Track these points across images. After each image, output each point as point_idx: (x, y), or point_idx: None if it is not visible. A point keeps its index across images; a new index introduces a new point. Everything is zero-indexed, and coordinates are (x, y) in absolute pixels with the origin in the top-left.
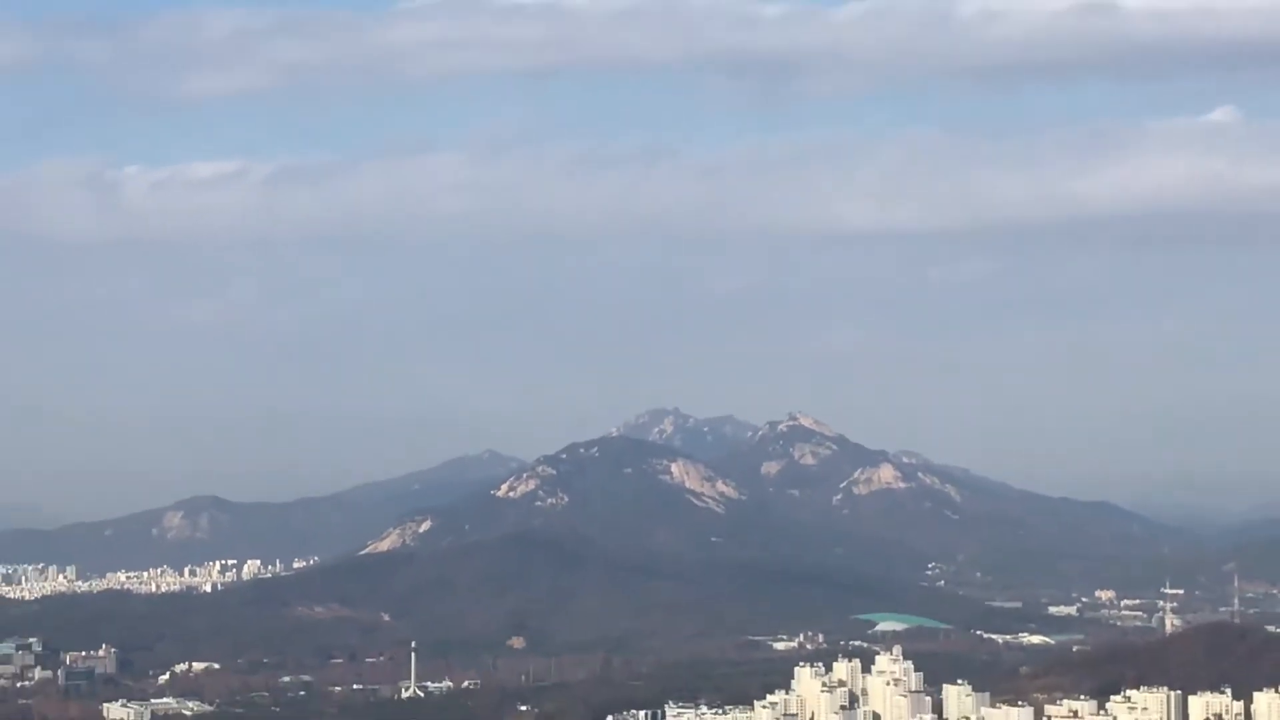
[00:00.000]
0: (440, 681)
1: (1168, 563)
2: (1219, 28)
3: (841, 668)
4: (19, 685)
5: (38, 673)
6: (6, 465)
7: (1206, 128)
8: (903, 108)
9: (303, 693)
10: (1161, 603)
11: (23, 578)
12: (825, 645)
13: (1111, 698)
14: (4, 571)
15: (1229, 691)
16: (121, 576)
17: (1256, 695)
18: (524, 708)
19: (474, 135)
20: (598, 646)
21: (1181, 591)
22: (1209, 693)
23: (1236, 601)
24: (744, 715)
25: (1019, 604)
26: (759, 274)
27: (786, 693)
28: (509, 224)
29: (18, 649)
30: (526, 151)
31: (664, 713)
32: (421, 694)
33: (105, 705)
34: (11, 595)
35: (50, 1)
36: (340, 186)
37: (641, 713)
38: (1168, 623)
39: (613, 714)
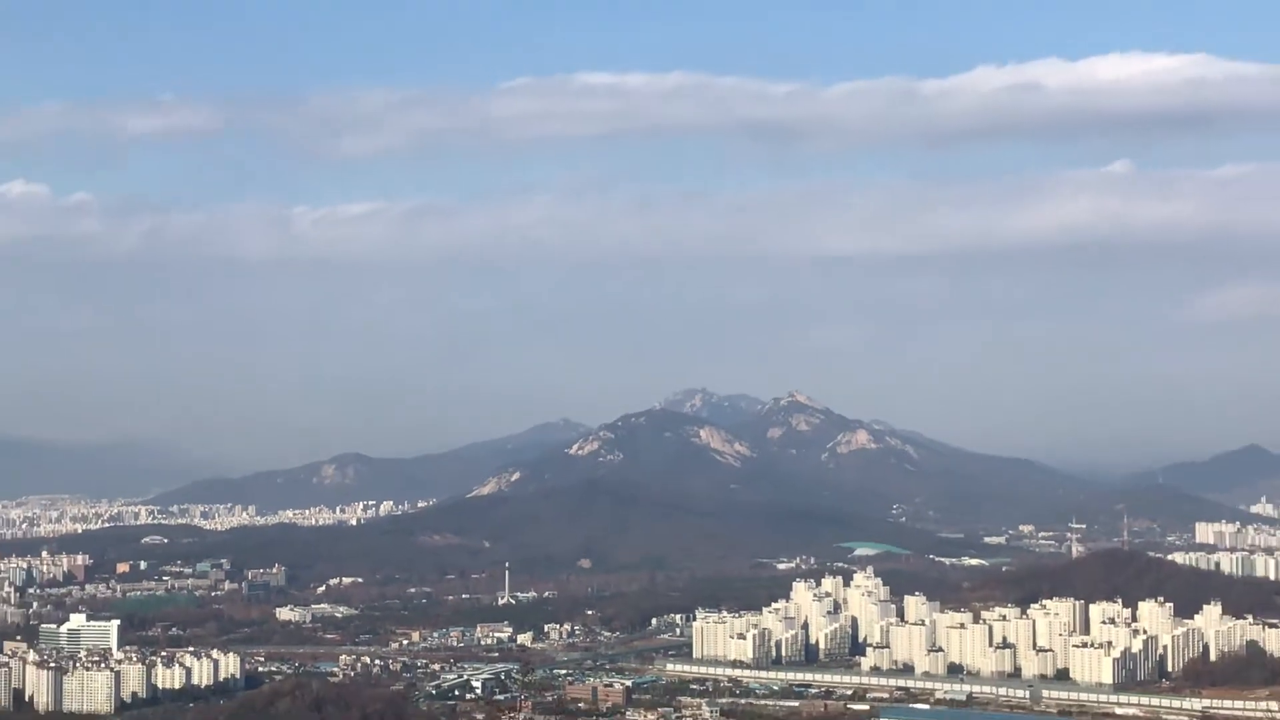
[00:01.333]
0: (527, 592)
1: (1073, 505)
2: (1117, 101)
3: (828, 582)
4: (213, 594)
5: (226, 585)
6: (208, 431)
7: (1106, 177)
8: (878, 162)
9: (424, 600)
10: (1068, 534)
11: (216, 514)
12: (815, 565)
13: (1031, 605)
14: (202, 509)
15: (1120, 600)
16: (289, 514)
17: (1140, 604)
18: (590, 612)
19: (558, 183)
20: (644, 566)
21: (1084, 526)
22: (1104, 601)
23: (1125, 534)
24: (755, 618)
25: (961, 535)
26: (768, 287)
27: (786, 601)
28: (584, 249)
29: (212, 567)
30: (597, 195)
31: (694, 616)
32: (514, 601)
33: (277, 609)
34: (208, 528)
35: (240, 80)
36: (457, 221)
37: (678, 615)
38: (1073, 549)
39: (656, 617)
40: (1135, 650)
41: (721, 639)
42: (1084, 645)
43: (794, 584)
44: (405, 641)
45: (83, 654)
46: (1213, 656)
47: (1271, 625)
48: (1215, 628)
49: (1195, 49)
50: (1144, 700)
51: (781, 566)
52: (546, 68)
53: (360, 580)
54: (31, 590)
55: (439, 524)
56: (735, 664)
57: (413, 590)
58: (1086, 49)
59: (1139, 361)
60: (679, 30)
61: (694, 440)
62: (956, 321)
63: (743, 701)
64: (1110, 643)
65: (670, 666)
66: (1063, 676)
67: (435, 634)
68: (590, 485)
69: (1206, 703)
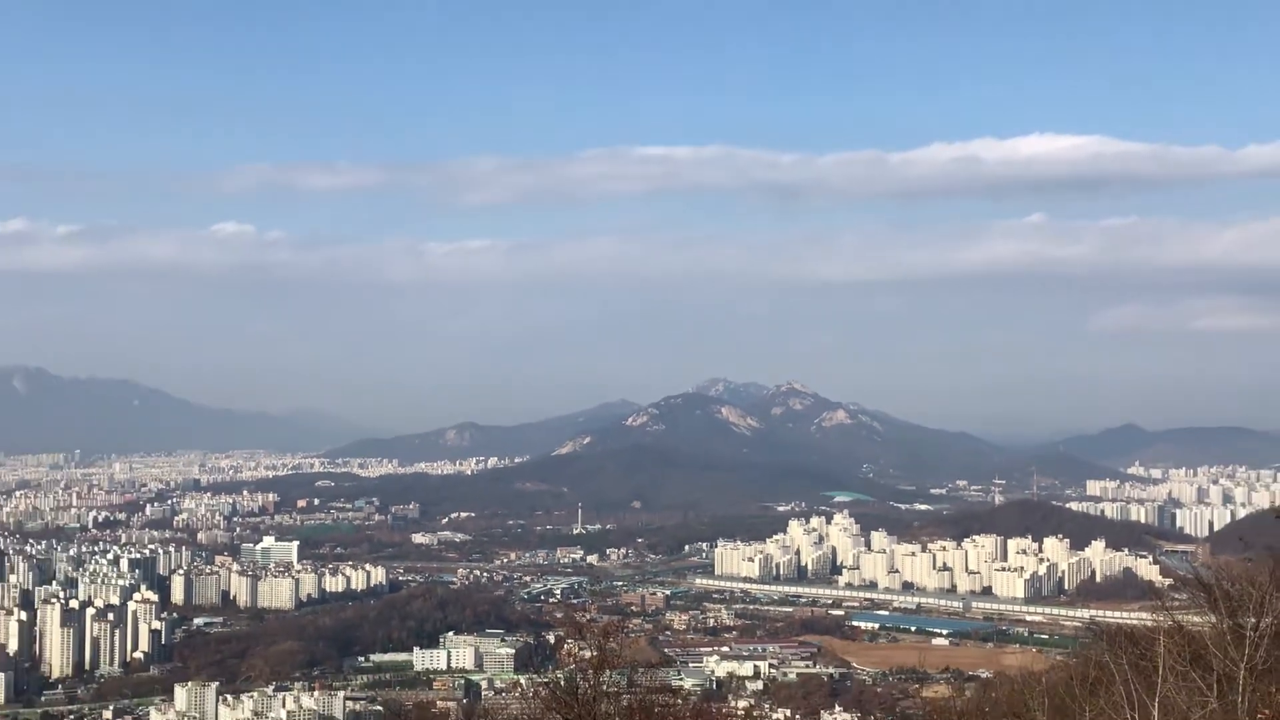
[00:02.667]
0: (594, 525)
1: (996, 466)
2: (1035, 169)
3: (815, 521)
4: (366, 523)
5: (376, 517)
6: (364, 404)
7: (1027, 225)
8: (858, 213)
9: (519, 529)
10: (992, 488)
11: (369, 465)
12: (805, 508)
13: (964, 540)
14: (359, 462)
15: (1030, 536)
16: (422, 465)
17: (1045, 539)
18: (639, 540)
19: (619, 226)
20: (679, 508)
21: (1004, 482)
22: (1018, 537)
23: (1034, 488)
24: (760, 546)
25: (914, 488)
26: (774, 303)
27: (784, 534)
28: (637, 275)
29: (366, 504)
30: (647, 236)
31: (716, 544)
32: (584, 531)
33: (413, 535)
34: (363, 475)
35: (393, 150)
36: (546, 253)
37: (704, 543)
38: (995, 499)
39: (688, 544)
40: (1041, 574)
41: (736, 561)
42: (1003, 569)
43: (790, 522)
44: (505, 559)
45: (271, 566)
46: (1098, 579)
47: (1141, 556)
48: (1100, 557)
49: (1094, 132)
50: (1047, 610)
51: (780, 509)
52: (613, 141)
53: (473, 514)
54: (235, 519)
55: (530, 474)
56: (746, 579)
57: (510, 522)
58: (1013, 131)
59: (1047, 361)
60: (711, 113)
61: (717, 416)
62: (914, 330)
63: (751, 606)
64: (1022, 568)
65: (698, 580)
66: (987, 593)
67: (527, 554)
68: (640, 448)
69: (1093, 613)
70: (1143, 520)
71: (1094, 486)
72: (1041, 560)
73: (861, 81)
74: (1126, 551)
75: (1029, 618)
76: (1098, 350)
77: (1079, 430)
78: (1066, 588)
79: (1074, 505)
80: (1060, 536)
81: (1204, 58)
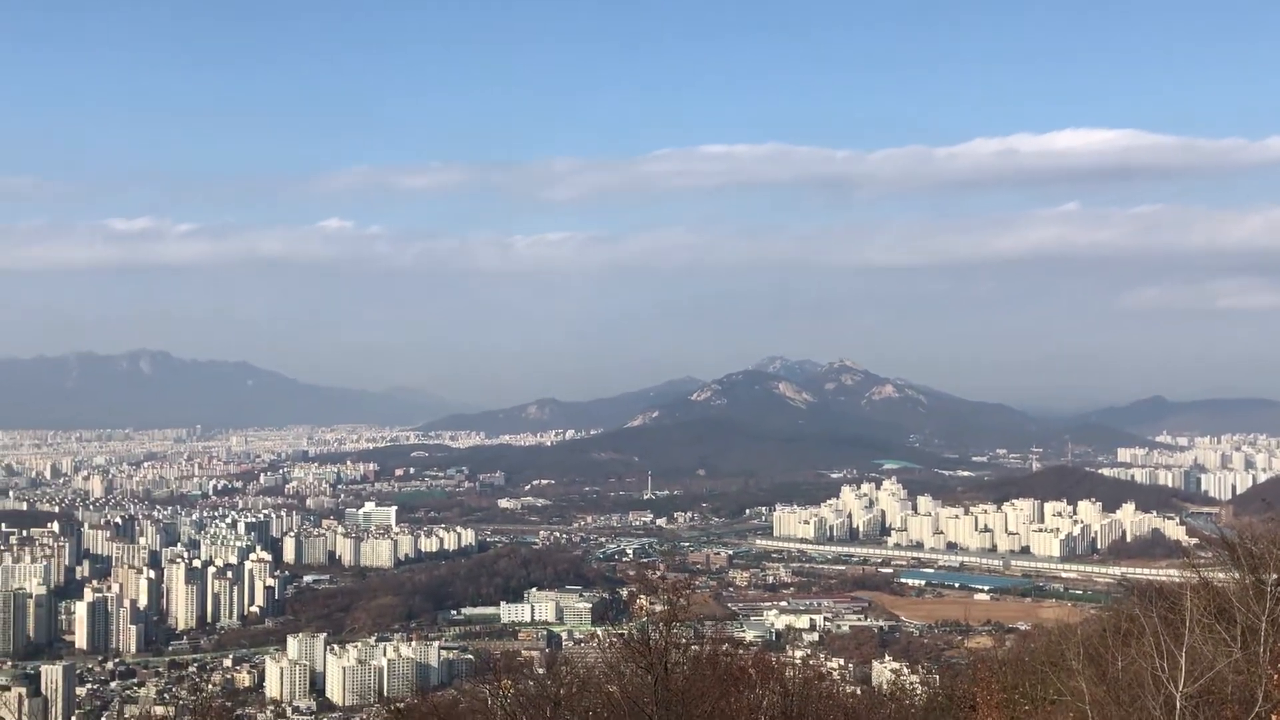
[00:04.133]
0: (662, 491)
1: (1034, 436)
2: (1069, 161)
3: (866, 487)
4: (457, 490)
5: (465, 484)
6: (455, 382)
7: (1062, 213)
8: (905, 204)
9: (594, 495)
10: (1030, 455)
11: (459, 438)
12: (856, 475)
13: (1004, 503)
14: (450, 434)
15: (1065, 500)
16: (506, 437)
17: (1079, 502)
18: (704, 504)
19: (687, 219)
20: (740, 474)
21: (1040, 450)
22: (1054, 501)
23: (1069, 455)
24: (815, 510)
25: (956, 456)
26: (827, 287)
27: (837, 499)
28: (703, 263)
29: (456, 472)
30: (713, 227)
31: (775, 508)
32: (654, 496)
33: (499, 500)
34: (454, 446)
35: (480, 151)
36: (621, 245)
37: (763, 507)
38: (1033, 466)
39: (748, 508)
40: (1075, 534)
41: (793, 523)
42: (1040, 530)
43: (842, 488)
44: (582, 522)
45: (372, 528)
46: (1129, 539)
47: (1169, 518)
48: (1130, 519)
49: (1125, 126)
50: (1081, 568)
51: (833, 476)
52: (681, 142)
53: (552, 482)
54: (339, 487)
55: (604, 445)
56: (802, 540)
57: (587, 489)
58: (1049, 126)
59: (1080, 338)
60: (771, 114)
61: (774, 391)
62: (956, 310)
63: (807, 565)
64: (1058, 529)
65: (758, 541)
66: (1025, 552)
67: (601, 518)
68: (704, 421)
69: (1124, 570)
70: (1170, 485)
71: (1124, 454)
72: (1076, 522)
73: (908, 82)
74: (1155, 514)
75: (1064, 575)
76: (1127, 328)
77: (1110, 402)
78: (1099, 547)
79: (1105, 471)
80: (1093, 500)
81: (1228, 55)
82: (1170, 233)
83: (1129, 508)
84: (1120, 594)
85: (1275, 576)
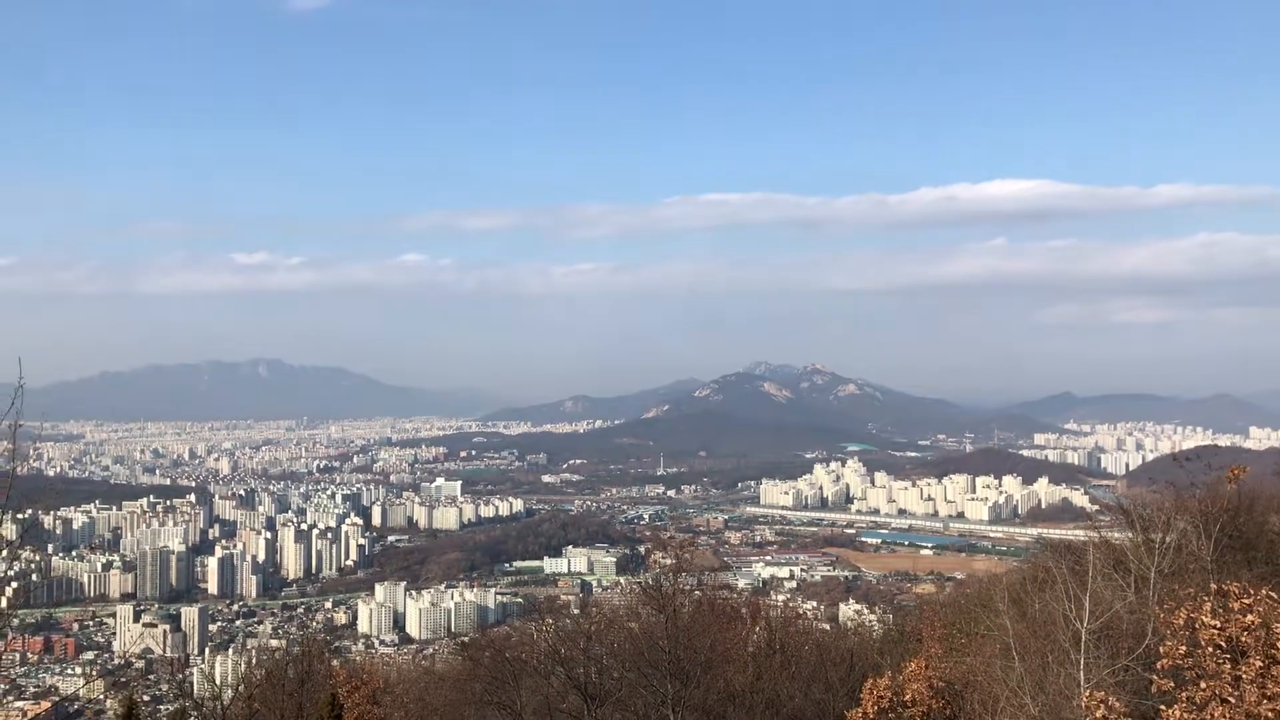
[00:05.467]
0: (671, 468)
1: (967, 424)
2: (998, 205)
3: (834, 465)
4: (509, 468)
5: (516, 463)
6: (508, 381)
7: (991, 246)
8: (864, 240)
9: (618, 471)
10: (964, 439)
11: (510, 426)
12: (826, 455)
13: (944, 477)
14: (503, 424)
15: (992, 475)
16: (548, 426)
17: (1004, 477)
18: (705, 479)
19: (691, 253)
20: (734, 455)
21: (973, 435)
22: (984, 476)
23: (996, 440)
24: (793, 483)
25: (905, 440)
26: (800, 305)
27: (810, 475)
28: (703, 288)
29: (508, 454)
30: (710, 258)
31: (761, 481)
32: (665, 473)
33: (543, 475)
34: (507, 433)
35: (525, 199)
36: (639, 273)
37: (752, 481)
38: (967, 448)
39: (740, 482)
40: (1001, 502)
41: (775, 494)
42: (972, 499)
43: (815, 466)
44: (608, 494)
45: (442, 498)
46: (1043, 506)
47: (1076, 489)
48: (1045, 490)
49: (1042, 177)
50: (1005, 529)
51: (808, 456)
52: (689, 190)
53: (584, 461)
54: (416, 465)
55: (625, 432)
56: (783, 508)
57: (611, 467)
58: (982, 177)
59: (1004, 346)
60: (757, 169)
61: (760, 389)
62: (905, 324)
63: (787, 527)
64: (987, 498)
65: (748, 509)
66: (961, 517)
67: (623, 490)
68: (705, 413)
69: (1040, 531)
70: (1076, 463)
71: (1039, 439)
72: (1001, 492)
73: (866, 142)
74: (1064, 486)
75: (992, 535)
76: (1042, 337)
77: (1028, 397)
78: (1020, 513)
79: (1025, 452)
80: (1015, 475)
81: (1124, 118)
82: (1077, 262)
83: (1043, 481)
84: (1037, 550)
85: (1161, 536)
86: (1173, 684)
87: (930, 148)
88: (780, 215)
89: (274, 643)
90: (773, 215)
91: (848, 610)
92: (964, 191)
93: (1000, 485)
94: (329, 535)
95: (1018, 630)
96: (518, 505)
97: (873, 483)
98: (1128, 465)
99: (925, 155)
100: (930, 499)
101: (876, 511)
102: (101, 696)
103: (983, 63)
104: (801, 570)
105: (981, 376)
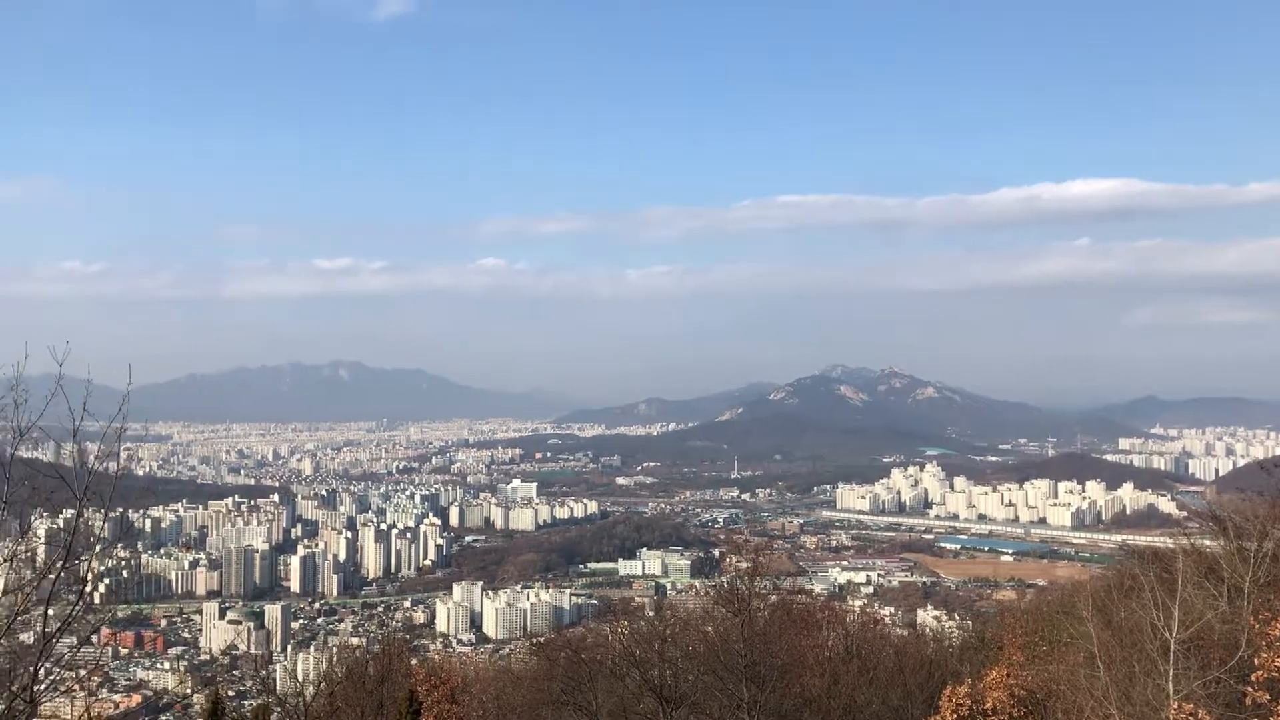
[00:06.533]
0: (746, 472)
1: (1049, 428)
2: (1082, 205)
3: (912, 470)
4: (584, 470)
5: (590, 465)
6: (582, 385)
7: (1075, 246)
8: (946, 240)
9: (692, 474)
10: (1046, 444)
11: (584, 428)
12: (904, 460)
13: (1025, 482)
14: (578, 426)
15: (1075, 480)
16: (622, 428)
17: (1087, 482)
18: (780, 482)
19: (764, 254)
20: (809, 459)
21: (1055, 439)
22: (1066, 481)
23: (1079, 444)
24: (870, 487)
25: (985, 444)
26: (880, 308)
27: (888, 479)
28: (776, 288)
29: (583, 455)
30: (785, 260)
31: (838, 485)
32: (739, 476)
33: (617, 478)
34: (581, 435)
35: (596, 203)
36: (709, 275)
37: (828, 485)
38: (1049, 452)
39: (816, 485)
40: (1084, 508)
41: (852, 498)
42: (1054, 505)
43: (892, 470)
44: (682, 496)
45: (518, 499)
46: (1128, 512)
47: (1162, 495)
48: (1130, 496)
49: (1125, 175)
50: (1088, 535)
51: (885, 460)
52: (760, 193)
53: (658, 464)
54: (493, 466)
55: (699, 435)
56: (859, 512)
57: (685, 469)
58: (1065, 176)
59: (1088, 347)
60: (835, 170)
61: (836, 392)
62: (985, 327)
63: (863, 532)
64: (1069, 504)
65: (823, 513)
66: (1042, 523)
67: (697, 493)
68: (780, 415)
69: (1124, 537)
70: (1162, 468)
71: (1124, 443)
72: (1084, 498)
73: (948, 143)
74: (1150, 492)
75: (1074, 541)
76: (1127, 338)
77: (1111, 400)
78: (1103, 519)
79: (1109, 457)
80: (1098, 480)
81: (1215, 113)
82: (1165, 262)
83: (1128, 487)
84: (1122, 556)
85: (1256, 544)
86: (1268, 696)
87: (1013, 147)
88: (857, 217)
89: (354, 641)
90: (849, 217)
91: (926, 616)
92: (1047, 191)
93: (1083, 490)
94: (408, 535)
95: (1103, 639)
96: (592, 507)
97: (952, 487)
98: (1217, 471)
99: (1007, 155)
100: (1011, 504)
101: (955, 517)
102: (189, 691)
103: (1067, 60)
104: (878, 575)
105: (1063, 379)
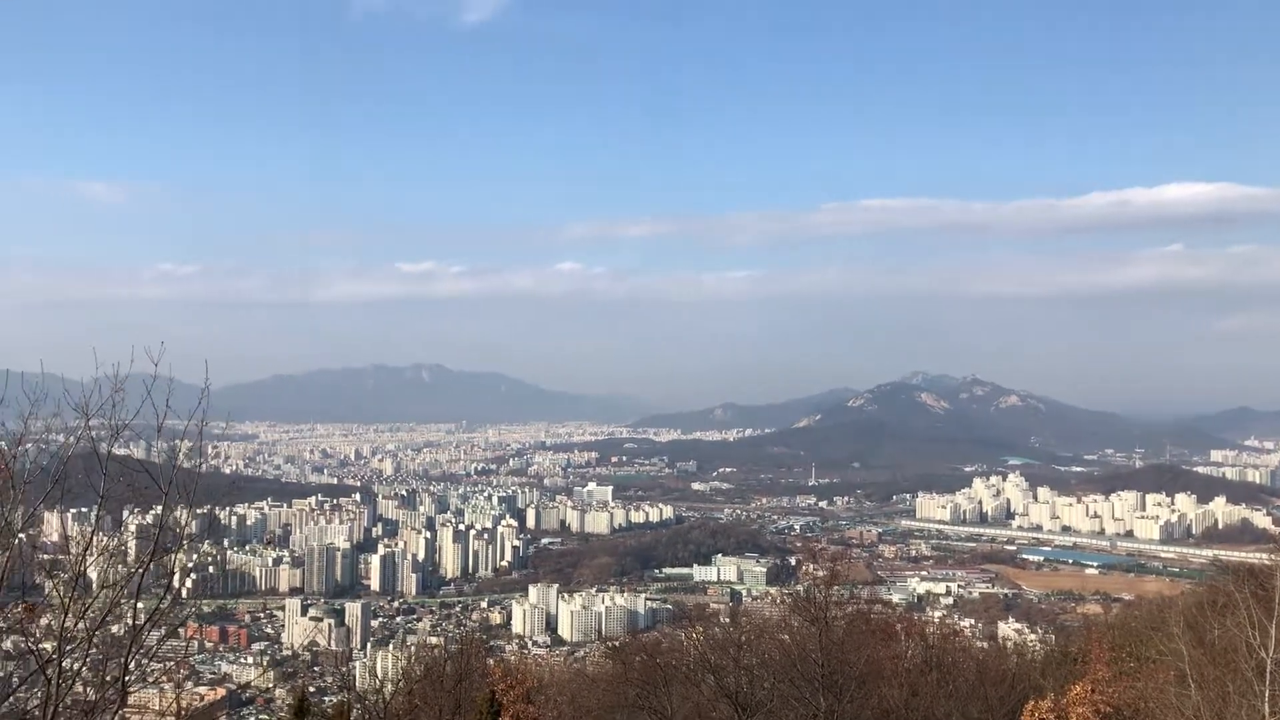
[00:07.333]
0: (824, 479)
1: (1137, 438)
2: (1175, 210)
3: (994, 479)
4: (659, 474)
5: (666, 470)
6: (658, 389)
7: (1168, 252)
8: (1034, 245)
9: (769, 480)
10: (1134, 454)
11: (660, 433)
12: (986, 469)
13: (1111, 494)
14: (653, 430)
15: (1164, 492)
16: (698, 433)
17: (1176, 495)
18: (859, 490)
19: (843, 259)
20: (889, 467)
21: (1143, 450)
22: (1155, 494)
23: (1168, 455)
24: (951, 497)
25: (1070, 454)
26: (963, 313)
27: (969, 488)
28: (859, 292)
29: (659, 460)
30: (866, 263)
31: (917, 494)
32: (817, 483)
33: (692, 483)
34: (657, 439)
35: (676, 207)
36: (792, 279)
37: (908, 494)
38: (1136, 463)
39: (895, 494)
40: (1173, 521)
41: (932, 508)
42: (1142, 517)
43: (974, 479)
44: (758, 503)
45: (594, 503)
46: (1220, 526)
47: (1256, 509)
48: (1222, 509)
49: (1221, 180)
50: (1178, 550)
51: (967, 469)
52: (842, 196)
53: (734, 470)
54: (569, 469)
55: (776, 441)
56: (939, 522)
57: (762, 476)
58: (1157, 180)
59: (1178, 356)
60: (920, 172)
61: (917, 399)
62: (1071, 335)
63: (943, 542)
64: (1158, 516)
65: (903, 522)
66: (1129, 535)
67: (774, 500)
68: (858, 423)
69: (1216, 552)
70: (1256, 481)
71: (1215, 455)
72: (1173, 511)
73: (1037, 146)
74: (1243, 505)
75: (1163, 555)
76: (1218, 347)
77: (1202, 410)
78: (1194, 533)
79: (1199, 469)
80: (1188, 493)
81: None
82: (1260, 268)
83: (1220, 500)
84: (1214, 572)
85: None
86: None
87: (1103, 150)
88: (942, 220)
89: (432, 640)
90: (934, 221)
91: (1007, 629)
92: (1138, 195)
93: (1172, 503)
94: (485, 536)
95: (1194, 656)
96: (667, 512)
97: (1035, 498)
98: None
99: (1098, 158)
100: (1096, 516)
101: (1038, 528)
102: (271, 685)
103: (1161, 60)
104: (959, 586)
105: (1152, 389)
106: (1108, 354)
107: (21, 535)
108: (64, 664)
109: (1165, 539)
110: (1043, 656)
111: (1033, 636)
